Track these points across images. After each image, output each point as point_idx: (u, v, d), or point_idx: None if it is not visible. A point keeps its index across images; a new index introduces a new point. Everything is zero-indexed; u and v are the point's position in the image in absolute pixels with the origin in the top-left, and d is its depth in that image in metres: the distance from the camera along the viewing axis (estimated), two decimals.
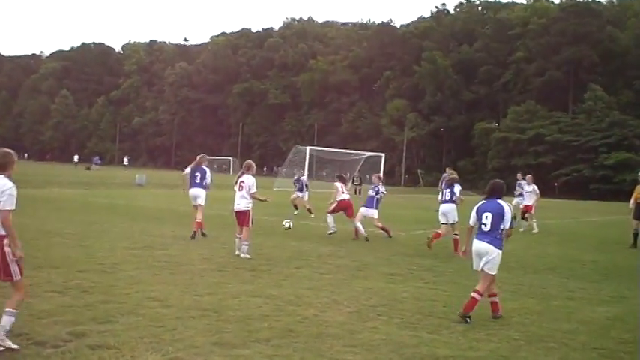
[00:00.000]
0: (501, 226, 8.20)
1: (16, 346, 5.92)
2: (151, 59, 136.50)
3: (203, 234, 15.17)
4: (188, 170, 15.92)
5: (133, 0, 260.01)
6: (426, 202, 33.37)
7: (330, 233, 17.13)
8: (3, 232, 5.95)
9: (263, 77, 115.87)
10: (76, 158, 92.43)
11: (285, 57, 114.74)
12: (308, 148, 52.37)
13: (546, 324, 8.08)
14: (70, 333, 6.46)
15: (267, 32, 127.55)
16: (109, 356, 5.87)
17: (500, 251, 8.18)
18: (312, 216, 22.79)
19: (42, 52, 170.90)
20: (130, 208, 23.63)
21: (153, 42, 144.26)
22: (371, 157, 56.02)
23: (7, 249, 5.95)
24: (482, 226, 8.31)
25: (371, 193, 17.56)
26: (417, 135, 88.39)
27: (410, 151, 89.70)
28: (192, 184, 15.55)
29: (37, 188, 30.25)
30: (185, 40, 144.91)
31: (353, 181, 40.82)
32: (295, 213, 23.61)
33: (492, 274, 8.21)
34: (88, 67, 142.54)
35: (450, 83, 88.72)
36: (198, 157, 16.17)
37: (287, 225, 17.41)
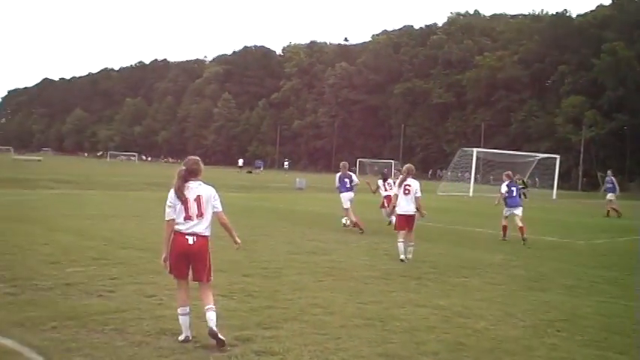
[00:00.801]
0: None
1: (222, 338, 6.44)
2: (311, 61, 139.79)
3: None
4: (337, 181, 18.96)
5: (294, 1, 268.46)
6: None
7: (389, 223, 18.34)
8: (208, 234, 6.75)
9: (426, 76, 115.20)
10: (240, 162, 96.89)
11: (450, 54, 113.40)
12: (475, 149, 51.49)
13: None
14: (236, 338, 6.69)
15: (431, 29, 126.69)
16: None
17: None
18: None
19: (205, 56, 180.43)
20: (291, 212, 24.28)
21: (313, 43, 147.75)
22: (544, 158, 54.10)
23: (210, 251, 6.79)
24: None
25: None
26: (596, 134, 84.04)
27: (588, 152, 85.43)
28: (343, 189, 18.53)
29: None
30: (345, 39, 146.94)
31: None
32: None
33: None
34: (250, 70, 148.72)
35: (634, 76, 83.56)
36: (341, 166, 19.46)
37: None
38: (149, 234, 14.93)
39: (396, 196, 13.17)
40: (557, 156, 54.51)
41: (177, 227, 6.61)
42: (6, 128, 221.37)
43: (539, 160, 53.56)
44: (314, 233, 17.11)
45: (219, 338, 6.37)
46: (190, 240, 6.59)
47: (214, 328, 6.41)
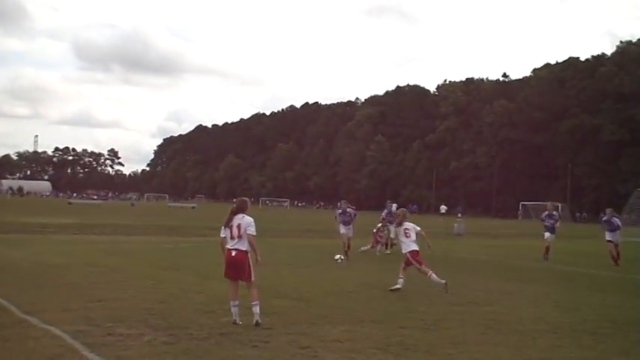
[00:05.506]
0: None
1: None
2: (468, 99, 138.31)
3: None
4: (339, 211, 23.91)
5: (449, 38, 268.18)
6: None
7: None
8: (247, 249, 9.83)
9: (595, 111, 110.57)
10: (394, 206, 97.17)
11: (621, 87, 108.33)
12: None
13: None
14: None
15: (598, 60, 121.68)
16: None
17: None
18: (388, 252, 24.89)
19: (357, 98, 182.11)
20: (449, 259, 23.82)
21: (469, 80, 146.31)
22: None
23: (250, 259, 9.89)
24: None
25: None
26: None
27: None
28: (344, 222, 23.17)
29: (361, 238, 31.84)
30: (504, 75, 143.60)
31: None
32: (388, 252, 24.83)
33: None
34: (403, 110, 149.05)
35: None
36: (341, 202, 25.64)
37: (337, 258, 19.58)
38: (303, 283, 15.17)
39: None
40: None
41: (227, 245, 9.89)
42: (162, 175, 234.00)
43: None
44: (474, 282, 16.75)
45: (258, 322, 9.63)
46: (233, 253, 9.81)
47: (259, 320, 9.68)
